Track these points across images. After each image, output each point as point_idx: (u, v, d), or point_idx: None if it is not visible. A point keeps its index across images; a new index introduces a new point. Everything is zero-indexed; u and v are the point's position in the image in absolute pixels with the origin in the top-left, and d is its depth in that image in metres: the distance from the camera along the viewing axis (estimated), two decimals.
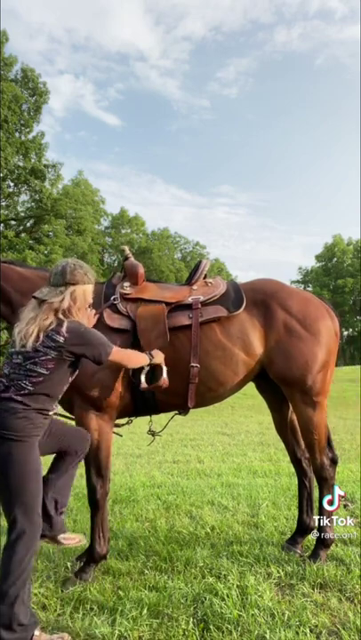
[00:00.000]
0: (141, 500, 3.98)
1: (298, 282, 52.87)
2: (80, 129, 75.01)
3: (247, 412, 10.68)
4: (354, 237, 52.40)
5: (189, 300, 2.76)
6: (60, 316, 2.10)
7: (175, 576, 2.59)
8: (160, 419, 2.97)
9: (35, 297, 2.15)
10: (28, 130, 31.42)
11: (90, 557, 2.64)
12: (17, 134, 30.79)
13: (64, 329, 2.06)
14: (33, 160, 31.99)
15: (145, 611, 2.21)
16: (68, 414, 2.69)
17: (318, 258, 54.22)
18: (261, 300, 2.81)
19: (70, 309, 2.14)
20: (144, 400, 2.67)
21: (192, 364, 2.63)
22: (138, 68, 72.02)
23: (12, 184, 31.93)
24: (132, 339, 2.64)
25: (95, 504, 2.64)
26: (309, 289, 48.79)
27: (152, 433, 2.96)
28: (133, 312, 2.70)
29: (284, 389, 2.82)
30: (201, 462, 5.66)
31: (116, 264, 46.15)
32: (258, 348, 2.74)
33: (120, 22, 70.89)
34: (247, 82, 76.43)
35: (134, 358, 2.38)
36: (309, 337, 2.74)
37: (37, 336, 2.04)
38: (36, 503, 2.02)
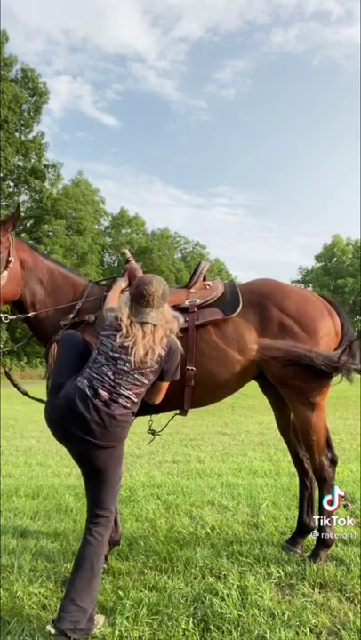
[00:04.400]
0: (141, 500, 3.98)
1: (298, 282, 52.83)
2: (78, 130, 74.94)
3: (247, 412, 10.66)
4: (353, 237, 52.41)
5: (186, 303, 2.77)
6: (168, 333, 2.24)
7: (175, 576, 2.59)
8: (160, 418, 2.97)
9: (150, 323, 2.16)
10: (28, 130, 31.40)
11: None
12: (17, 134, 30.76)
13: (169, 346, 2.21)
14: (33, 160, 31.95)
15: (145, 611, 2.21)
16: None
17: (318, 258, 54.20)
18: (257, 301, 2.80)
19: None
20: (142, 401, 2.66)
21: (187, 367, 2.63)
22: (135, 69, 71.99)
23: (11, 184, 31.90)
24: None
25: None
26: (309, 289, 48.74)
27: (152, 432, 2.96)
28: None
29: (281, 390, 2.81)
30: (201, 462, 5.65)
31: (116, 264, 46.11)
32: (252, 348, 2.72)
33: (117, 24, 71.01)
34: (244, 83, 76.39)
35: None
36: (306, 337, 2.72)
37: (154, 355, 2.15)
38: (118, 491, 2.27)
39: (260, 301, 2.80)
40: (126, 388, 2.12)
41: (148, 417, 2.91)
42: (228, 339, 2.72)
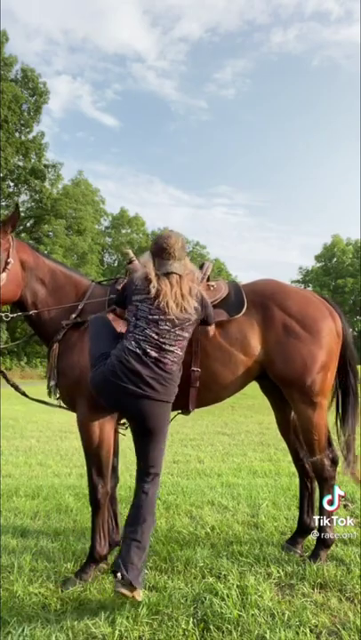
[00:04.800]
0: None
1: (298, 282, 52.91)
2: (78, 130, 75.16)
3: (247, 412, 10.66)
4: (353, 237, 52.43)
5: None
6: (195, 285, 2.35)
7: (175, 576, 2.59)
8: None
9: (175, 272, 2.27)
10: (28, 130, 31.35)
11: (90, 557, 2.64)
12: (17, 134, 30.72)
13: (200, 295, 2.35)
14: (33, 160, 31.90)
15: (145, 611, 2.20)
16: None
17: (318, 258, 54.21)
18: (260, 301, 2.81)
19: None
20: None
21: (193, 369, 2.64)
22: (135, 69, 72.21)
23: (11, 184, 31.87)
24: None
25: (96, 503, 2.64)
26: (309, 289, 48.77)
27: None
28: None
29: (284, 389, 2.82)
30: (201, 462, 5.65)
31: (116, 264, 46.09)
32: (256, 348, 2.74)
33: (117, 24, 71.19)
34: (244, 83, 76.59)
35: None
36: (308, 337, 2.73)
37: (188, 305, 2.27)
38: (164, 451, 2.41)
39: (263, 302, 2.81)
40: (171, 345, 2.25)
41: None
42: (232, 339, 2.73)
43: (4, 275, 2.64)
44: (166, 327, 2.23)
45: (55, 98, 66.57)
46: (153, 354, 2.22)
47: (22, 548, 3.03)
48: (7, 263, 2.67)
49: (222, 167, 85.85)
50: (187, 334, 2.31)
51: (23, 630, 2.09)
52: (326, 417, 2.83)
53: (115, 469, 2.89)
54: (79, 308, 2.79)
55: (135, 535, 2.19)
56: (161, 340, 2.23)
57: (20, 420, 9.95)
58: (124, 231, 46.79)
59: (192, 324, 2.33)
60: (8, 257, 2.68)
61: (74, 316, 2.77)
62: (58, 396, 2.78)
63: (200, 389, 2.71)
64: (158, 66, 72.74)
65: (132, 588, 2.10)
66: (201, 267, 2.97)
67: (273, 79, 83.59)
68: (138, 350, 2.21)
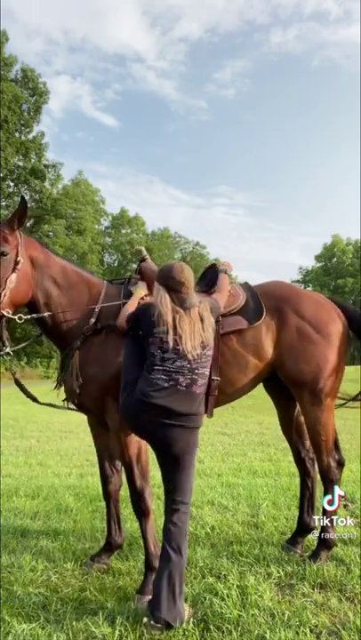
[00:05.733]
0: None
1: (298, 282, 52.87)
2: (78, 130, 75.09)
3: (247, 412, 10.66)
4: (353, 237, 52.42)
5: None
6: (207, 312, 2.32)
7: None
8: None
9: (195, 306, 2.27)
10: (27, 130, 31.35)
11: (148, 568, 2.47)
12: (17, 134, 30.71)
13: (214, 314, 2.36)
14: (33, 160, 31.91)
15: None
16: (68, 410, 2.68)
17: (318, 258, 54.21)
18: (274, 305, 2.81)
19: None
20: None
21: (213, 378, 2.58)
22: (135, 69, 72.14)
23: (11, 184, 31.86)
24: None
25: (146, 509, 2.49)
26: (309, 289, 48.80)
27: None
28: None
29: (294, 391, 2.83)
30: (201, 462, 5.65)
31: (116, 264, 46.09)
32: (269, 352, 2.75)
33: (117, 24, 71.10)
34: (244, 83, 76.39)
35: None
36: (321, 340, 2.76)
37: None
38: (193, 482, 2.35)
39: (278, 306, 2.81)
40: (203, 367, 2.25)
41: None
42: (247, 344, 2.72)
43: (14, 275, 2.44)
44: (197, 352, 2.20)
45: (55, 98, 66.57)
46: (185, 382, 2.18)
47: (22, 548, 3.03)
48: (17, 262, 2.46)
49: (222, 167, 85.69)
50: (212, 350, 2.32)
51: (23, 630, 2.09)
52: (334, 418, 2.83)
53: (119, 472, 2.89)
54: (97, 310, 2.62)
55: (166, 571, 2.12)
56: (193, 365, 2.20)
57: (20, 419, 9.95)
58: (124, 231, 46.78)
59: (213, 339, 2.33)
60: (17, 255, 2.47)
61: (93, 320, 2.59)
62: (63, 399, 2.68)
63: (217, 395, 2.69)
64: (158, 66, 72.68)
65: (167, 626, 2.06)
66: (211, 276, 2.83)
67: (273, 79, 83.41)
68: (167, 384, 2.16)
